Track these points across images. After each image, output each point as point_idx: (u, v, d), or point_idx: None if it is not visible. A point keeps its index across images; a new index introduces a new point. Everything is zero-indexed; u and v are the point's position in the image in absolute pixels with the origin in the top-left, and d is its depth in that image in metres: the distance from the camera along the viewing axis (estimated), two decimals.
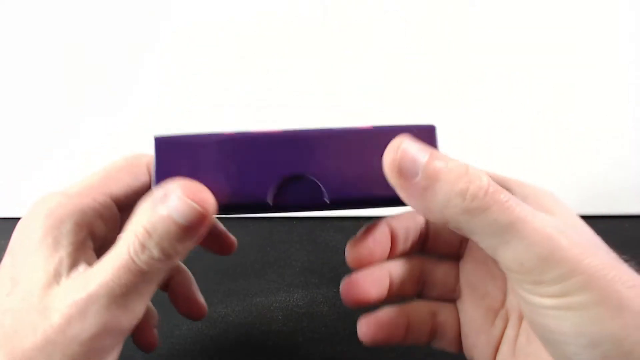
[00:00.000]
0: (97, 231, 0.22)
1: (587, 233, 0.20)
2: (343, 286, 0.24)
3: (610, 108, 0.48)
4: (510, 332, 0.23)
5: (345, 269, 0.35)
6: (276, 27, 0.47)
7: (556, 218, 0.18)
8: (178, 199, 0.18)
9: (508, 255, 0.17)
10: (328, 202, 0.19)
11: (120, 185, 0.24)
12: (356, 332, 0.35)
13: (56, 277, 0.20)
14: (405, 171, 0.18)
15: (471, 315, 0.25)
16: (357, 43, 0.47)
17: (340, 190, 0.19)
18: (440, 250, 0.26)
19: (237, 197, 0.19)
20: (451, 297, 0.26)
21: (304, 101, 0.47)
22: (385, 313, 0.25)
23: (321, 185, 0.19)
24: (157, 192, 0.19)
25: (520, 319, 0.23)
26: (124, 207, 0.24)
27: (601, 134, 0.49)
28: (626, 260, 0.18)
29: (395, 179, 0.18)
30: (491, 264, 0.25)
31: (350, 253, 0.24)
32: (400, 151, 0.18)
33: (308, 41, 0.47)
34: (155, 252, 0.19)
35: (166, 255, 0.19)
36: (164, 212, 0.18)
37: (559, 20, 0.47)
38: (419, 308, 0.26)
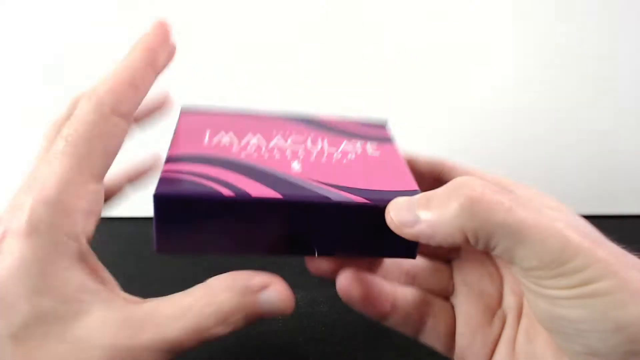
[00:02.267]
0: (87, 231, 0.20)
1: (590, 228, 0.20)
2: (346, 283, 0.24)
3: (611, 108, 0.48)
4: (508, 333, 0.23)
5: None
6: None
7: (562, 214, 0.19)
8: (277, 289, 0.20)
9: (526, 254, 0.18)
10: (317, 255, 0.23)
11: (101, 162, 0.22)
12: (356, 332, 0.36)
13: (77, 298, 0.19)
14: (406, 224, 0.20)
15: (468, 312, 0.24)
16: (355, 43, 0.47)
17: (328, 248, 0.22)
18: (429, 251, 0.26)
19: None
20: (445, 293, 0.26)
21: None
22: (372, 277, 0.24)
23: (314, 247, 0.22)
24: (255, 278, 0.20)
25: (518, 318, 0.23)
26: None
27: (601, 134, 0.49)
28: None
29: (404, 233, 0.20)
30: (488, 264, 0.25)
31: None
32: (392, 214, 0.20)
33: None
34: (227, 329, 0.20)
35: (228, 330, 0.20)
36: (260, 299, 0.20)
37: (560, 18, 0.47)
38: (409, 292, 0.25)
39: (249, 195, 0.20)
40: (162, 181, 0.21)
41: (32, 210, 0.18)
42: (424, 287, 0.26)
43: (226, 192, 0.20)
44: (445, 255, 0.27)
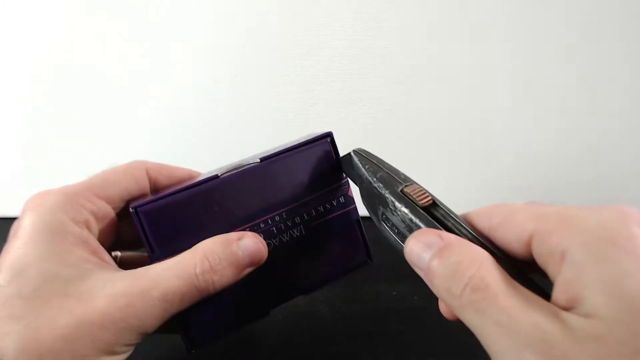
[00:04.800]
0: (91, 229, 0.24)
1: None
2: None
3: (610, 108, 0.48)
4: None
5: None
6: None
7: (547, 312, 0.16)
8: (252, 240, 0.24)
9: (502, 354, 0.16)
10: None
11: (117, 188, 0.25)
12: (356, 332, 0.35)
13: (78, 266, 0.21)
14: (417, 266, 0.20)
15: None
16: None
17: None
18: None
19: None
20: None
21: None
22: None
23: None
24: (233, 234, 0.24)
25: None
26: (121, 210, 0.26)
27: (601, 135, 0.49)
28: None
29: (416, 270, 0.20)
30: None
31: None
32: (408, 248, 0.20)
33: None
34: (217, 277, 0.22)
35: (222, 281, 0.22)
36: (239, 246, 0.23)
37: (562, 17, 0.47)
38: None
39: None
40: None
41: (48, 195, 0.23)
42: None
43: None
44: None
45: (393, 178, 0.24)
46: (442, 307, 0.22)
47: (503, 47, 0.47)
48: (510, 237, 0.19)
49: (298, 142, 0.27)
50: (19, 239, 0.21)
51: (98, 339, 0.20)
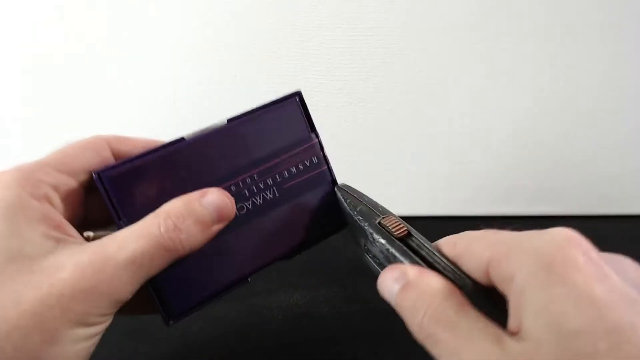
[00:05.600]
0: (53, 203, 0.23)
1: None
2: None
3: (610, 107, 0.48)
4: None
5: (345, 270, 0.35)
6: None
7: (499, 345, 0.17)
8: (216, 194, 0.23)
9: None
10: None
11: (79, 161, 0.24)
12: (356, 332, 0.35)
13: (42, 243, 0.21)
14: (389, 302, 0.21)
15: None
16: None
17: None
18: None
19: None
20: None
21: None
22: None
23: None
24: (195, 192, 0.23)
25: None
26: (88, 185, 0.25)
27: (601, 134, 0.49)
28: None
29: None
30: None
31: None
32: (379, 284, 0.22)
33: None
34: (184, 235, 0.22)
35: (190, 240, 0.22)
36: (203, 203, 0.23)
37: (557, 15, 0.47)
38: None
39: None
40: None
41: (2, 173, 0.22)
42: None
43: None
44: None
45: (372, 211, 0.25)
46: None
47: (503, 47, 0.47)
48: (472, 266, 0.20)
49: (267, 102, 0.27)
50: None
51: (69, 310, 0.19)
